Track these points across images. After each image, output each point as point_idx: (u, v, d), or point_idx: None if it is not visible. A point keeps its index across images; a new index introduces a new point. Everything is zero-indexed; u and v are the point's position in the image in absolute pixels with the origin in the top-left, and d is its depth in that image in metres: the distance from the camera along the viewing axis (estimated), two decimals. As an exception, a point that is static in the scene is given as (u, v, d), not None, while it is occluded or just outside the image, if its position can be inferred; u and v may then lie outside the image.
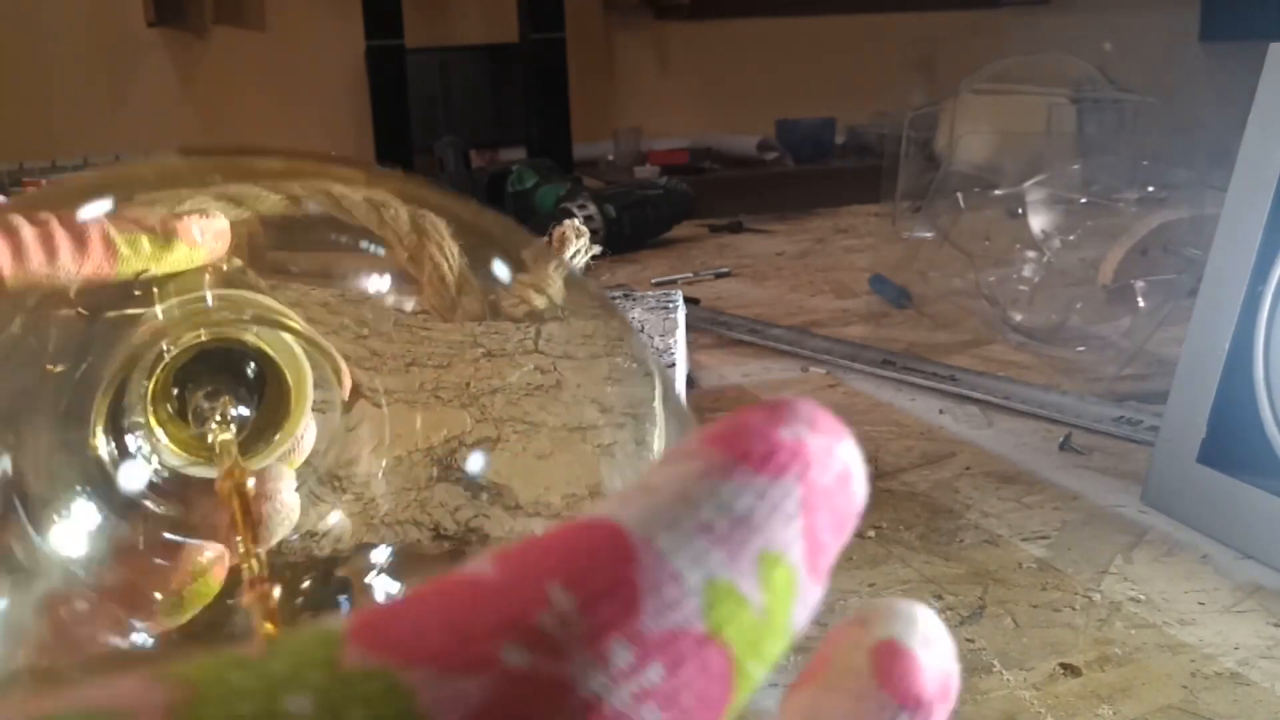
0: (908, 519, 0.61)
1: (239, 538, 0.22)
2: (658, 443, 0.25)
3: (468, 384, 0.27)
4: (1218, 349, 0.58)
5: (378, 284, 0.27)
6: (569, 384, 0.26)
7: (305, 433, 0.27)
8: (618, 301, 0.57)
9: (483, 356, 0.27)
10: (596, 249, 0.82)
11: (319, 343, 0.26)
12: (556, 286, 0.24)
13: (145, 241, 0.22)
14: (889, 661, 0.12)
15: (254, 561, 0.21)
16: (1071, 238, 0.95)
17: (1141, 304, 0.87)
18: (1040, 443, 0.72)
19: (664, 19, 2.53)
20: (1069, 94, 1.12)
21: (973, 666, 0.47)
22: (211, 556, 0.24)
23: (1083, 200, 0.95)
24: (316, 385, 0.27)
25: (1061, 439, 0.71)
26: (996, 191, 1.02)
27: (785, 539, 0.10)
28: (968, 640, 0.49)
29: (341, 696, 0.08)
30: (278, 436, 0.26)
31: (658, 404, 0.23)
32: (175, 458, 0.26)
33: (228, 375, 0.26)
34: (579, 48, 2.29)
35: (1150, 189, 0.93)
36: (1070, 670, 0.46)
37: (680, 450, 0.11)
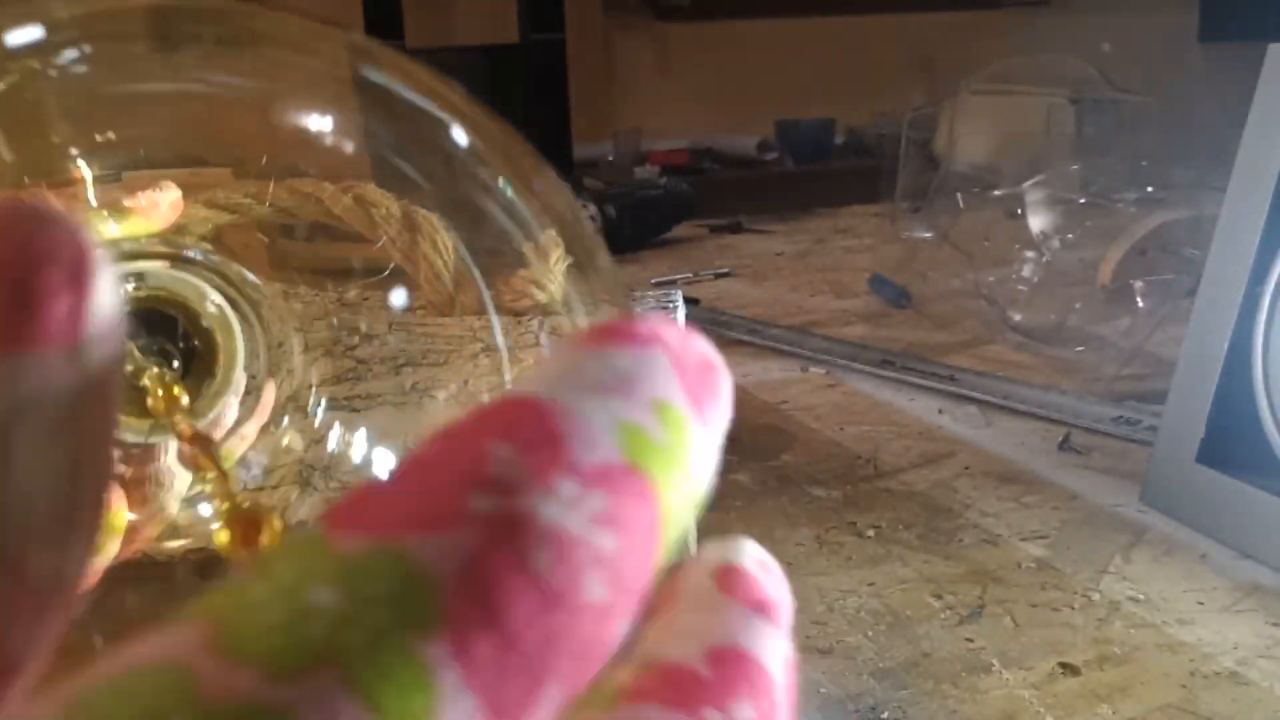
0: (907, 518, 0.61)
1: (207, 477, 0.22)
2: None
3: (466, 381, 0.27)
4: (1216, 349, 0.58)
5: (375, 286, 0.27)
6: None
7: (226, 411, 0.27)
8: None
9: (482, 352, 0.27)
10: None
11: (265, 324, 0.26)
12: (558, 282, 0.24)
13: (97, 219, 0.23)
14: (730, 578, 0.14)
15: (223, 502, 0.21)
16: (1070, 238, 0.95)
17: (1140, 304, 0.87)
18: (1039, 442, 0.72)
19: (664, 20, 2.53)
20: (1068, 95, 1.12)
21: (972, 666, 0.47)
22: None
23: (1082, 200, 0.95)
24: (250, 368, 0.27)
25: (1061, 439, 0.71)
26: (996, 192, 1.02)
27: (668, 390, 0.11)
28: (967, 640, 0.49)
29: (352, 576, 0.09)
30: (196, 407, 0.26)
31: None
32: None
33: (161, 339, 0.26)
34: (579, 48, 2.28)
35: (1149, 189, 0.93)
36: (1069, 669, 0.46)
37: (549, 353, 0.12)
